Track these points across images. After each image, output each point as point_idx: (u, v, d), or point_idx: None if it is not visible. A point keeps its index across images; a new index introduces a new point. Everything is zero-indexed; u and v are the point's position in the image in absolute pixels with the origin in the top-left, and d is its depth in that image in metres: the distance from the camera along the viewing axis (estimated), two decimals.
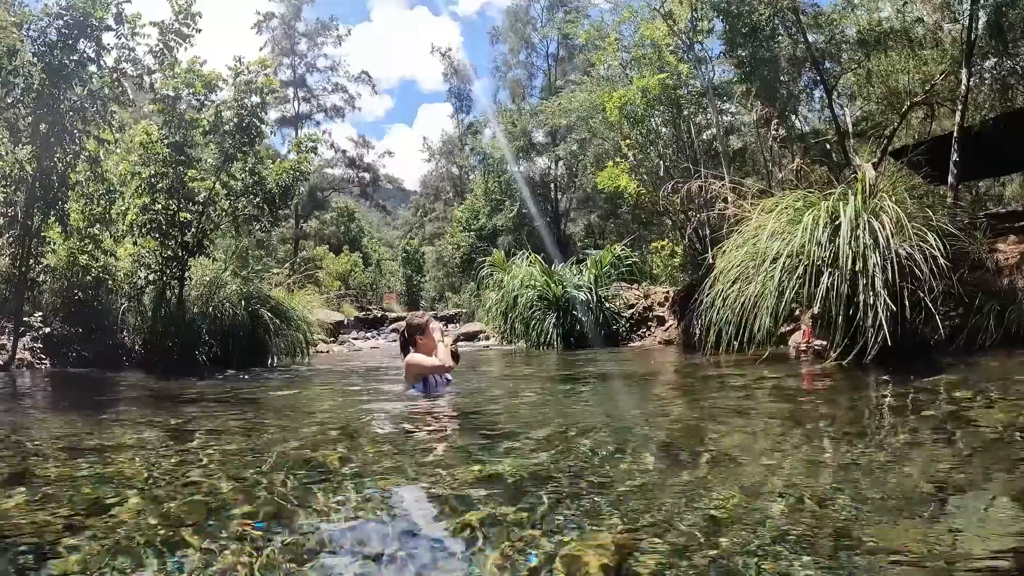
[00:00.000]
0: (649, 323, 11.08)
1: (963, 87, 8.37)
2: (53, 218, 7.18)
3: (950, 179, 8.22)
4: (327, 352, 12.04)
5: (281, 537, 1.51)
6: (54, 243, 7.80)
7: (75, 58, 6.64)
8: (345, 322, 17.94)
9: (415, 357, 3.98)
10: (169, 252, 7.78)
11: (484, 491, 1.82)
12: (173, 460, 2.37)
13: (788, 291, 4.93)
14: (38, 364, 7.69)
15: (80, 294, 8.17)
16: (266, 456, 2.40)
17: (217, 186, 7.86)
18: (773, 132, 11.81)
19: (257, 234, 9.03)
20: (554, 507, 1.65)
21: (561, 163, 27.24)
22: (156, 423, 3.39)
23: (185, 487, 1.96)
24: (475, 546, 1.43)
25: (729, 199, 7.60)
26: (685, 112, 11.75)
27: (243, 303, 8.23)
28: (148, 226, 7.72)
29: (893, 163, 7.88)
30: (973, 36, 8.31)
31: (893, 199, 4.94)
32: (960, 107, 8.34)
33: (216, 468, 2.21)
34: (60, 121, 6.78)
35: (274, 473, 2.10)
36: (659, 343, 10.29)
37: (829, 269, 4.80)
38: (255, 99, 7.84)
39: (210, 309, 8.03)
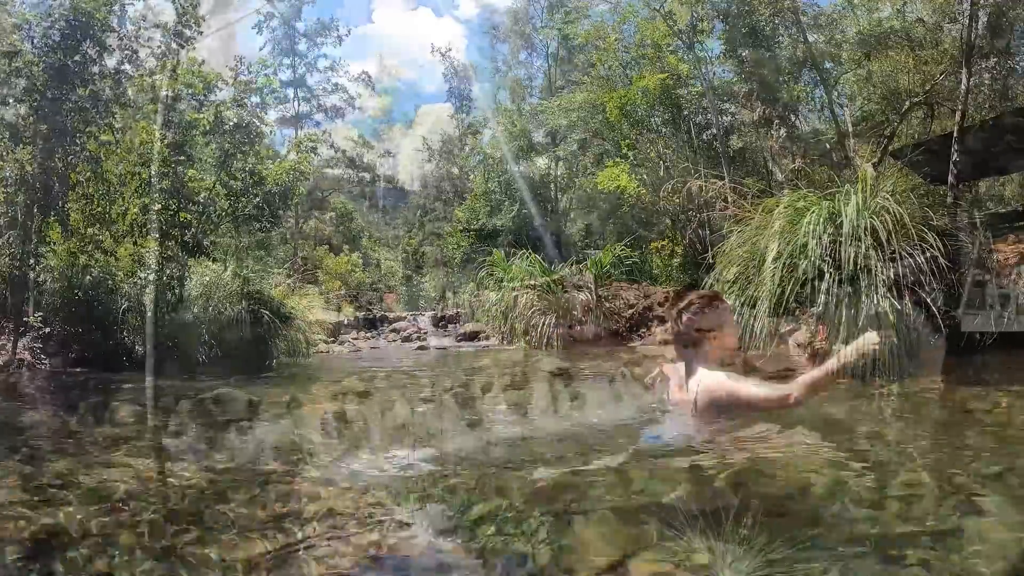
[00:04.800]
0: (649, 323, 11.07)
1: (963, 87, 8.36)
2: (53, 218, 7.17)
3: (950, 179, 8.20)
4: (327, 352, 12.00)
5: None
6: (54, 243, 7.79)
7: (77, 59, 6.64)
8: (345, 322, 17.86)
9: (721, 382, 2.19)
10: (169, 252, 7.77)
11: None
12: (172, 460, 2.37)
13: (788, 291, 4.93)
14: (38, 364, 7.68)
15: (80, 294, 8.15)
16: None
17: (217, 186, 7.86)
18: (773, 132, 11.81)
19: (257, 234, 9.04)
20: None
21: (561, 163, 27.18)
22: (155, 423, 3.38)
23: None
24: None
25: (729, 199, 7.61)
26: (685, 112, 11.76)
27: (243, 303, 8.21)
28: (148, 226, 7.72)
29: (893, 163, 7.87)
30: (973, 36, 8.30)
31: (895, 199, 4.93)
32: (960, 107, 8.33)
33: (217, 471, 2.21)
34: (61, 122, 6.78)
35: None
36: (659, 343, 10.28)
37: (831, 269, 4.80)
38: (255, 99, 7.86)
39: (210, 309, 8.01)
